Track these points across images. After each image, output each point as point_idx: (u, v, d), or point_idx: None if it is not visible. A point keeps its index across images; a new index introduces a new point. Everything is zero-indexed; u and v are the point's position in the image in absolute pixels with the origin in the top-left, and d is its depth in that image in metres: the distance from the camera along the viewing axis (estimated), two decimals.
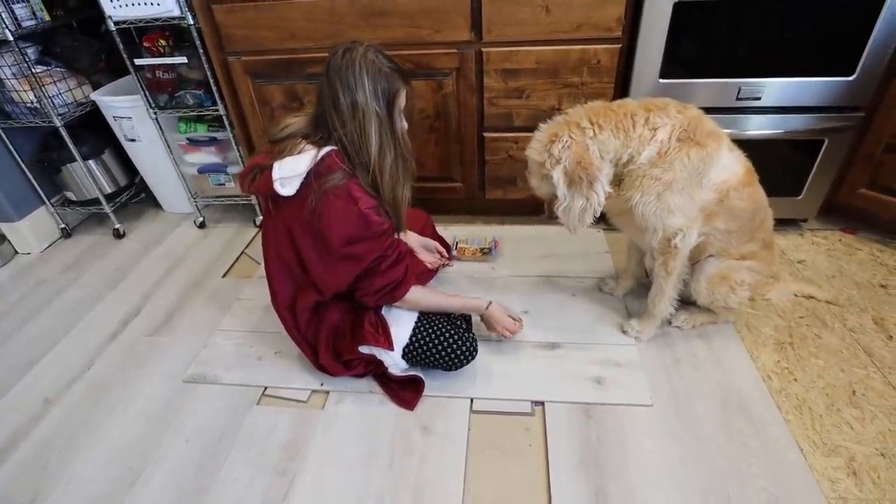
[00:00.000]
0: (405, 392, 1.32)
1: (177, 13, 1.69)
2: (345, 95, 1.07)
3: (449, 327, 1.30)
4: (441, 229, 1.83)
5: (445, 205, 2.08)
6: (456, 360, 1.28)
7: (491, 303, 1.37)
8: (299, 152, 1.12)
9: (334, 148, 1.11)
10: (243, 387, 1.40)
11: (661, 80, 1.62)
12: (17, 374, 1.52)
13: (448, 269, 1.77)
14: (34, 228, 2.13)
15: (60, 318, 1.74)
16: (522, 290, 1.69)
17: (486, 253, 1.85)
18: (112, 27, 1.74)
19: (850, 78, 1.54)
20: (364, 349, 1.29)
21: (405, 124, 1.21)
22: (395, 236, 1.24)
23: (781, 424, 1.21)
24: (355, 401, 1.33)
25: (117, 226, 2.17)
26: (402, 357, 1.31)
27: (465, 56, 1.65)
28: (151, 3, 1.66)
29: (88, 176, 2.07)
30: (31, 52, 1.94)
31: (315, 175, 1.09)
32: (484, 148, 1.84)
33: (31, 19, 1.87)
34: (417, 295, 1.29)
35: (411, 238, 1.45)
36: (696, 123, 1.16)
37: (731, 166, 1.21)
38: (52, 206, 2.17)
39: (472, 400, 1.31)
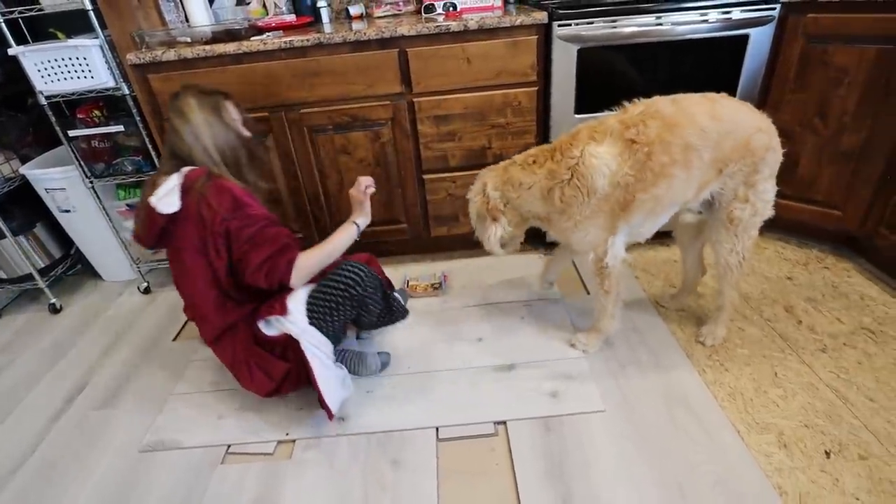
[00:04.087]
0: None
1: (112, 84, 1.72)
2: (183, 123, 1.29)
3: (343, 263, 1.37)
4: (391, 270, 1.90)
5: (394, 246, 2.16)
6: (352, 282, 1.32)
7: (355, 223, 1.43)
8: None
9: (193, 167, 1.28)
10: (205, 448, 1.37)
11: (576, 116, 1.80)
12: None
13: None
14: None
15: None
16: (474, 319, 1.76)
17: (437, 288, 1.92)
18: (43, 101, 1.74)
19: None
20: (263, 325, 1.33)
21: (247, 133, 1.42)
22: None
23: (718, 411, 1.33)
24: (322, 446, 1.34)
25: (53, 300, 2.08)
26: (308, 316, 1.31)
27: (399, 106, 1.78)
28: (85, 77, 1.69)
29: (20, 252, 1.99)
30: None
31: (186, 189, 1.24)
32: (424, 189, 1.95)
33: None
34: (308, 259, 1.32)
35: None
36: (559, 158, 1.30)
37: (607, 157, 1.25)
38: None
39: (437, 429, 1.35)
